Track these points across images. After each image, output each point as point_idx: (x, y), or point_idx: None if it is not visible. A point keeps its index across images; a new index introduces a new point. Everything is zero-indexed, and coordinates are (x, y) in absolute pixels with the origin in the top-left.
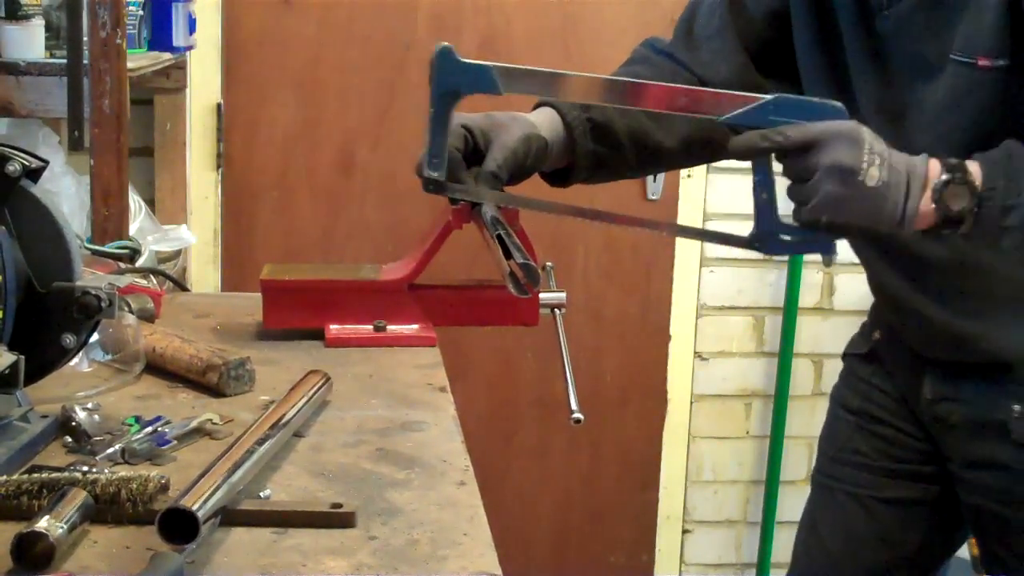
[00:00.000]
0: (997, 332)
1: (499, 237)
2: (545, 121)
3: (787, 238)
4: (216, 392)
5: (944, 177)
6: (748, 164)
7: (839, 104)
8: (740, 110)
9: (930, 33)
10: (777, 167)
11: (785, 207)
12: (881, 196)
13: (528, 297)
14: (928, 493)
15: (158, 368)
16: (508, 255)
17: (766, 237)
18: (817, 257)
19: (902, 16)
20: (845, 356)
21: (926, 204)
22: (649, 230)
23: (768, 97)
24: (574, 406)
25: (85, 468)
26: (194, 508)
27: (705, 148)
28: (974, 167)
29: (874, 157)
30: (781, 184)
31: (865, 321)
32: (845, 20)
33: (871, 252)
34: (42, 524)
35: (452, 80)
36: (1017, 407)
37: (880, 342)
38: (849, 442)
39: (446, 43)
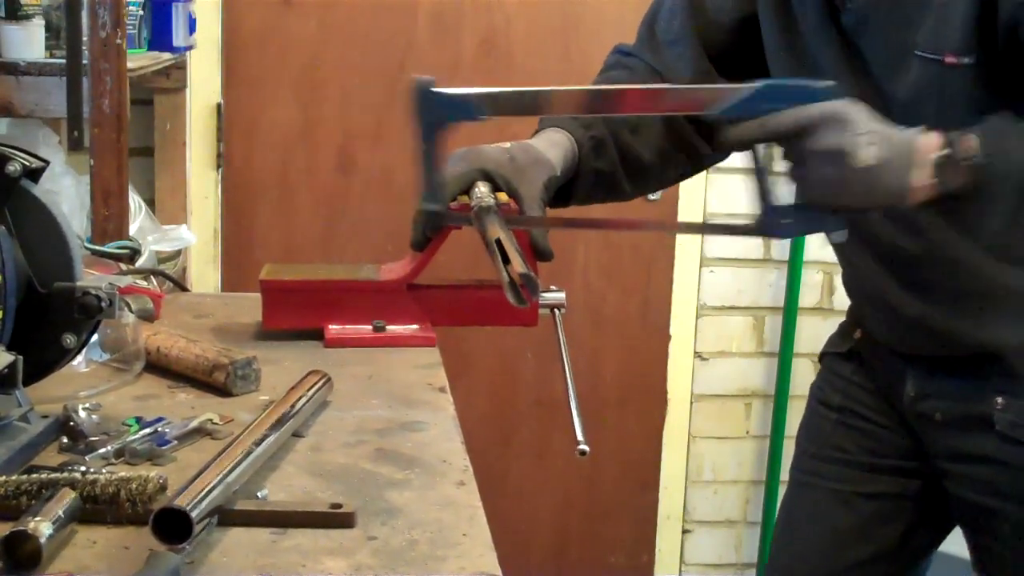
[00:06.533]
0: (971, 325)
1: (498, 242)
2: (550, 146)
3: (790, 221)
4: (222, 392)
5: (943, 152)
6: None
7: (829, 84)
8: (730, 102)
9: (892, 29)
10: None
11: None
12: (877, 175)
13: (527, 307)
14: (909, 488)
15: (160, 368)
16: (507, 262)
17: (770, 222)
18: (818, 257)
19: (863, 11)
20: (824, 355)
21: (926, 179)
22: (655, 231)
23: (756, 85)
24: (580, 436)
25: (83, 468)
26: (188, 508)
27: (680, 155)
28: (970, 138)
29: (867, 136)
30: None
31: (844, 320)
32: (810, 18)
33: (849, 247)
34: (28, 524)
35: (436, 113)
36: (1000, 399)
37: (861, 341)
38: (831, 439)
39: (425, 77)
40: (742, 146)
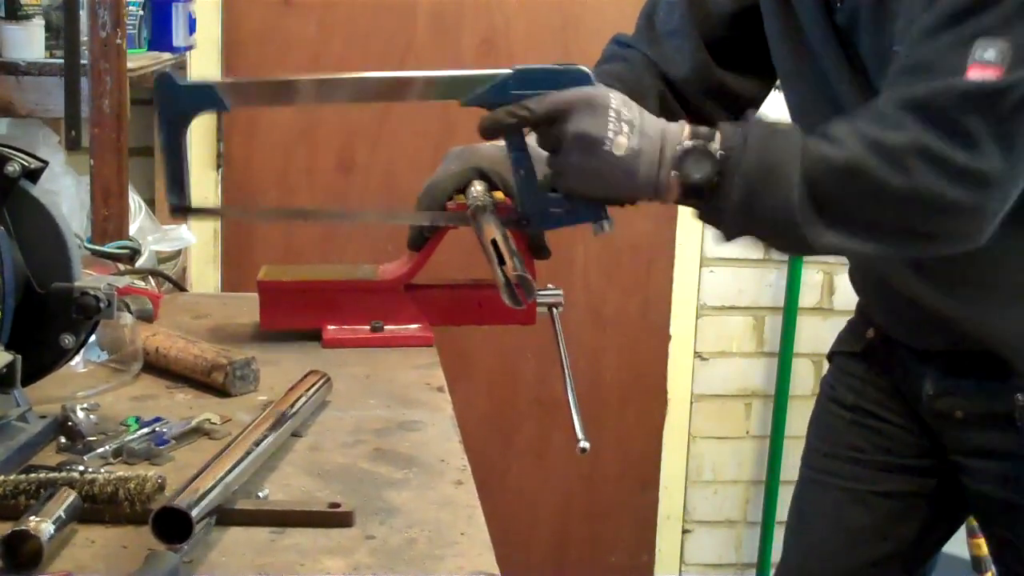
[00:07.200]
0: (989, 317)
1: (494, 243)
2: None
3: (556, 210)
4: (221, 392)
5: (687, 144)
6: None
7: (583, 68)
8: (482, 89)
9: (876, 26)
10: None
11: None
12: (631, 165)
13: (522, 308)
14: (924, 486)
15: (159, 368)
16: (502, 263)
17: (534, 212)
18: (818, 257)
19: (852, 10)
20: (834, 355)
21: (671, 173)
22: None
23: (507, 71)
24: (580, 434)
25: (81, 468)
26: (188, 507)
27: None
28: (721, 131)
29: (622, 124)
30: None
31: (853, 319)
32: (808, 14)
33: None
34: (30, 523)
35: (176, 106)
36: (1021, 396)
37: (875, 340)
38: (845, 438)
39: (166, 70)
40: (495, 133)
